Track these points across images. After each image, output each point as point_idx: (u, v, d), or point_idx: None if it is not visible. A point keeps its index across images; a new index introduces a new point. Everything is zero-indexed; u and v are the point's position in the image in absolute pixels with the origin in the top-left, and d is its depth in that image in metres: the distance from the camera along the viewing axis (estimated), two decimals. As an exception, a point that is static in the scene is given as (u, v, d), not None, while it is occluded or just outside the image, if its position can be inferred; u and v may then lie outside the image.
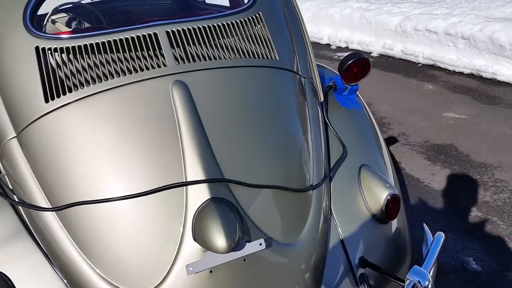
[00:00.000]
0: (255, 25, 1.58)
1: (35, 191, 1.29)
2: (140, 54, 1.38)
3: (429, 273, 1.25)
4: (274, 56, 1.56)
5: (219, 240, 1.14)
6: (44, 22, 2.38)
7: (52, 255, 1.26)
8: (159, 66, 1.36)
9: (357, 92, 1.96)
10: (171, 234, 1.21)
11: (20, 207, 1.34)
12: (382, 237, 1.55)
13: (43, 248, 1.28)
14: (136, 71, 1.34)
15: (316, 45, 7.25)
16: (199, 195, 1.23)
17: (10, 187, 1.38)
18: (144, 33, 1.40)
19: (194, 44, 1.43)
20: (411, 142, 3.47)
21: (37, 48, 1.37)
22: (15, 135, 1.34)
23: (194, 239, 1.19)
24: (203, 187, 1.24)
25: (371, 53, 6.25)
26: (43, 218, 1.27)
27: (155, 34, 1.41)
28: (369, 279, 1.45)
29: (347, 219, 1.53)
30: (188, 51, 1.41)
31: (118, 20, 2.52)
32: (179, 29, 1.44)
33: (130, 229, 1.23)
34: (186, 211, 1.22)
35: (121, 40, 1.38)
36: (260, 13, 1.61)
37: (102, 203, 1.23)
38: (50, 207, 1.26)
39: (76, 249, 1.23)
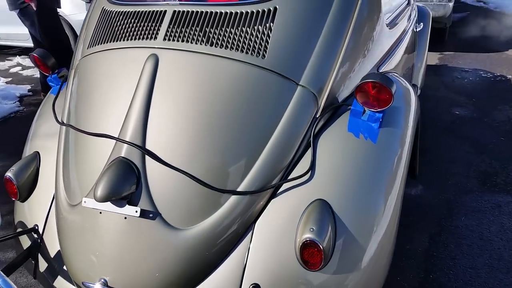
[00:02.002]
0: (261, 19, 1.53)
1: (66, 106, 1.78)
2: (147, 26, 1.62)
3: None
4: (263, 54, 1.50)
5: (98, 189, 1.38)
6: None
7: (56, 156, 1.74)
8: (150, 39, 1.58)
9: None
10: (96, 172, 1.50)
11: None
12: (292, 279, 1.37)
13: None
14: (135, 39, 1.61)
15: None
16: (120, 151, 1.47)
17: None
18: (158, 9, 1.62)
19: (190, 26, 1.55)
20: None
21: (102, 8, 1.81)
22: (75, 67, 1.85)
23: None
24: (124, 147, 1.46)
25: None
26: (61, 127, 1.76)
27: (164, 11, 1.61)
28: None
29: (265, 243, 1.43)
30: (180, 32, 1.55)
31: None
32: (185, 10, 1.58)
33: (78, 157, 1.59)
34: (109, 159, 1.48)
35: (141, 12, 1.65)
36: (277, 6, 1.54)
37: (72, 129, 1.63)
38: (63, 122, 1.74)
39: (60, 159, 1.69)
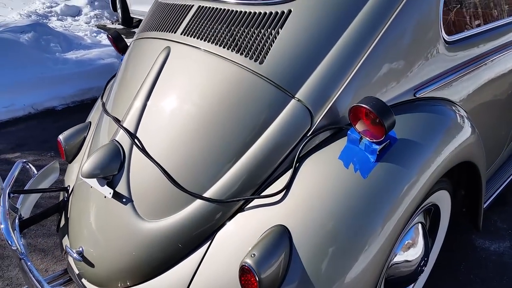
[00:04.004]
0: (271, 21, 1.42)
1: (115, 85, 1.95)
2: (175, 18, 1.65)
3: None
4: (262, 59, 1.39)
5: (84, 164, 1.49)
6: None
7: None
8: (171, 32, 1.61)
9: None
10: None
11: None
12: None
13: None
14: (162, 30, 1.66)
15: None
16: (116, 134, 1.56)
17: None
18: (188, 3, 1.64)
19: (207, 23, 1.53)
20: None
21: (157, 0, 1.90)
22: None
23: None
24: (120, 131, 1.56)
25: None
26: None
27: (191, 6, 1.62)
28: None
29: (220, 256, 1.36)
30: (196, 27, 1.55)
31: None
32: (208, 6, 1.56)
33: (96, 133, 1.74)
34: (112, 138, 1.59)
35: (175, 5, 1.69)
36: (291, 9, 1.41)
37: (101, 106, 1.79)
38: (101, 99, 1.92)
39: (93, 132, 1.86)
